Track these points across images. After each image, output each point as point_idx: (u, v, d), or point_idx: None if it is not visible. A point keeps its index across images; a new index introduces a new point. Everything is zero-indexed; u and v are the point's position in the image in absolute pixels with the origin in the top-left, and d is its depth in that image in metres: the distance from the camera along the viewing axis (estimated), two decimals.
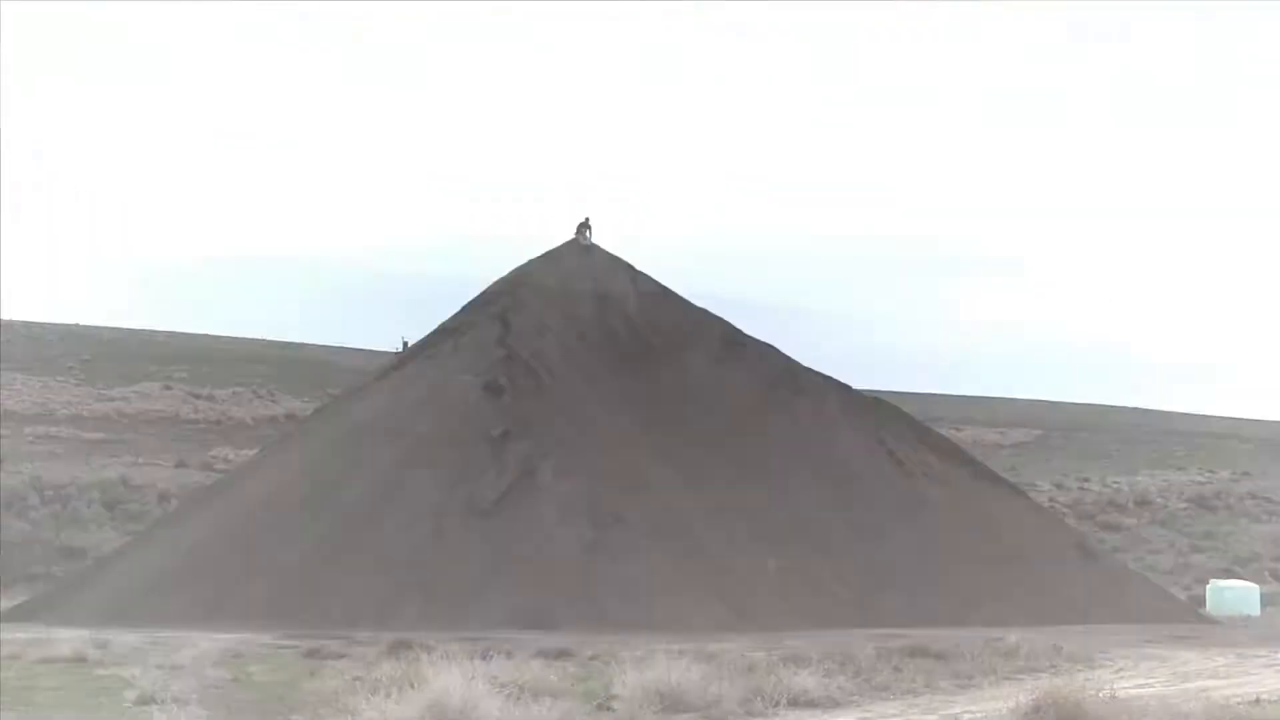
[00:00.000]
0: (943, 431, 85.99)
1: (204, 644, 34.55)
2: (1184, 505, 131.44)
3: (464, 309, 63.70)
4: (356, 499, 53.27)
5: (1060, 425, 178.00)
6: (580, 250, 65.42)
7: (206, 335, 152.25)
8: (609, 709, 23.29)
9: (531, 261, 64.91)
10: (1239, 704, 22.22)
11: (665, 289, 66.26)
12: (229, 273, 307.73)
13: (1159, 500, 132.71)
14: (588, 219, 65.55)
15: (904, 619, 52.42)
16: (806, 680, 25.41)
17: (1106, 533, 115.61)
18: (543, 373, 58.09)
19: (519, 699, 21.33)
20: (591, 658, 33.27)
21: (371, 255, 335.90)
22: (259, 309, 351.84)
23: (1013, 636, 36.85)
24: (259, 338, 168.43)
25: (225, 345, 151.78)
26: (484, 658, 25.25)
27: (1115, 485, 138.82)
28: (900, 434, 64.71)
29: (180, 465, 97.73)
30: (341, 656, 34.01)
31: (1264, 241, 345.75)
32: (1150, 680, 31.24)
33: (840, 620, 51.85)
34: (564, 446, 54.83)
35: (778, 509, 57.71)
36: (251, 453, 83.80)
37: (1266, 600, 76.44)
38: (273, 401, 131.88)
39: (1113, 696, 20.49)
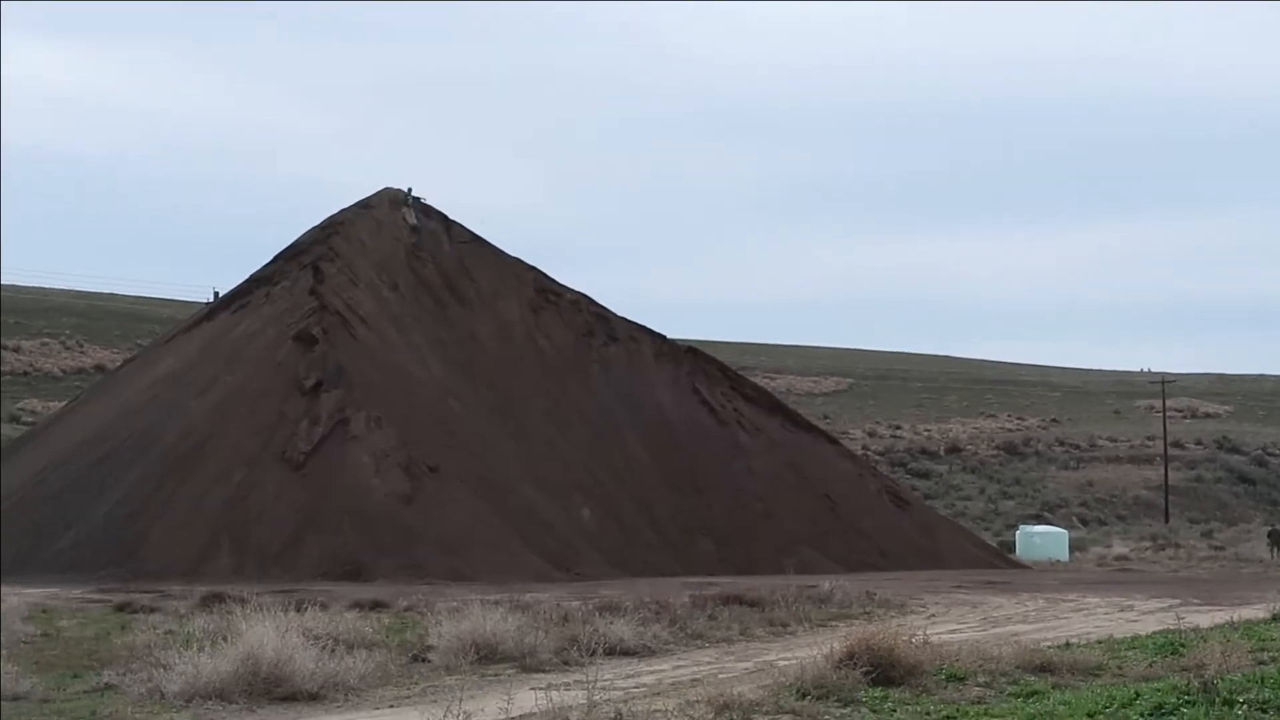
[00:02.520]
0: (757, 380, 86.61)
1: (12, 598, 33.82)
2: (994, 452, 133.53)
3: (275, 258, 62.95)
4: (167, 451, 52.56)
5: (873, 373, 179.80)
6: (393, 202, 64.82)
7: (12, 286, 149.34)
8: (425, 659, 23.12)
9: (344, 210, 64.27)
10: (1049, 648, 22.42)
11: (479, 238, 65.92)
12: (36, 222, 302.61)
13: (969, 447, 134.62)
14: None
15: (719, 567, 52.75)
16: (622, 629, 25.32)
17: (918, 479, 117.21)
18: (355, 322, 57.58)
19: (333, 651, 21.08)
20: (406, 609, 33.05)
21: (181, 201, 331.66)
22: (67, 258, 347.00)
23: (826, 583, 37.03)
24: (67, 288, 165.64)
25: (32, 296, 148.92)
26: (298, 609, 24.93)
27: (926, 432, 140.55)
28: (714, 383, 64.96)
29: None
30: (154, 610, 33.43)
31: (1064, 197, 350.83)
32: (962, 625, 31.51)
33: (656, 568, 52.06)
34: (378, 397, 54.45)
35: (593, 458, 57.81)
36: (60, 404, 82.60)
37: (1074, 545, 77.86)
38: (81, 353, 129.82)
39: (925, 642, 20.61)
